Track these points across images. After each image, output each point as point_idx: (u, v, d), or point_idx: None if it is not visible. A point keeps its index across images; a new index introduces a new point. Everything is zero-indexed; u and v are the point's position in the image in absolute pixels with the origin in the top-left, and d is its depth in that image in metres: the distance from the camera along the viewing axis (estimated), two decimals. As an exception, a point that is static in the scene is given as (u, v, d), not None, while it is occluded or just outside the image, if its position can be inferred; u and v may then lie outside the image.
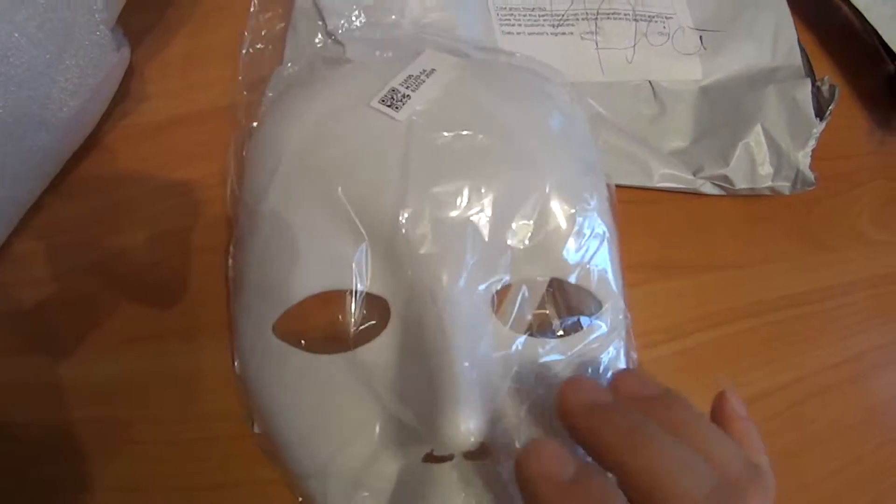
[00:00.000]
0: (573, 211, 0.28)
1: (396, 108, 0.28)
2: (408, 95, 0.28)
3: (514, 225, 0.27)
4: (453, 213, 0.26)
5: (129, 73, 0.34)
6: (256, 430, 0.29)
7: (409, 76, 0.29)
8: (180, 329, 0.32)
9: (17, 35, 0.27)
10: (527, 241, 0.27)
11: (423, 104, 0.28)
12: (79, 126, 0.32)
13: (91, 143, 0.34)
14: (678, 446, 0.20)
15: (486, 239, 0.26)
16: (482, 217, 0.26)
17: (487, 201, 0.27)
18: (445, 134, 0.27)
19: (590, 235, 0.28)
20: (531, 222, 0.27)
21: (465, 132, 0.28)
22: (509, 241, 0.27)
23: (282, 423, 0.28)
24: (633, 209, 0.36)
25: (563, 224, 0.28)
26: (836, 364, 0.36)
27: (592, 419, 0.21)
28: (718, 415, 0.24)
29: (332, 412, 0.27)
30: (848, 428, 0.34)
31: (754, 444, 0.23)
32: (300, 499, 0.29)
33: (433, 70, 0.30)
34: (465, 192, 0.26)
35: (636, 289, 0.34)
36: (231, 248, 0.31)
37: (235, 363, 0.30)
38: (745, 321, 0.35)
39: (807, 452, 0.33)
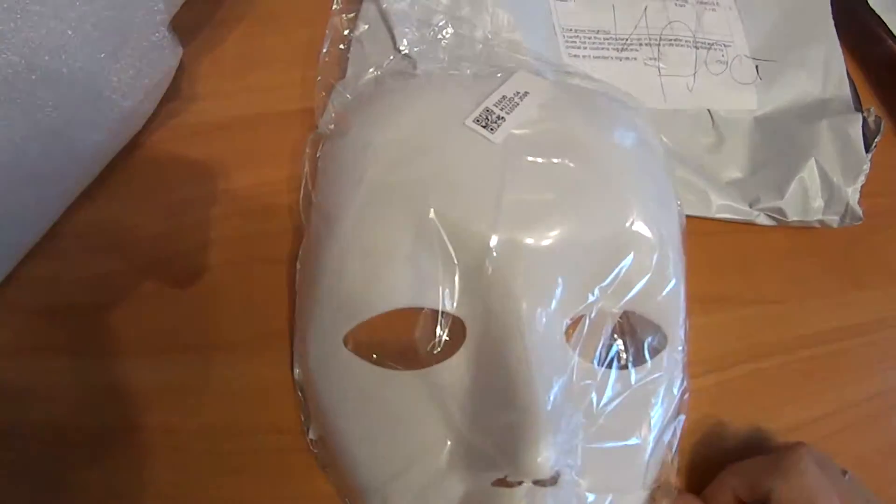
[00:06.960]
0: (653, 246, 0.28)
1: (492, 129, 0.27)
2: (503, 118, 0.28)
3: (599, 258, 0.27)
4: (544, 244, 0.26)
5: (180, 71, 0.33)
6: (312, 436, 0.29)
7: (503, 97, 0.29)
8: (231, 339, 0.31)
9: (70, 33, 0.25)
10: (610, 276, 0.27)
11: (518, 128, 0.28)
12: (128, 126, 0.31)
13: (137, 143, 0.33)
14: None
15: (575, 272, 0.27)
16: (572, 250, 0.26)
17: (577, 233, 0.27)
18: (539, 161, 0.27)
19: (665, 271, 0.29)
20: (615, 255, 0.27)
21: (555, 160, 0.27)
22: (595, 275, 0.27)
23: (346, 435, 0.27)
24: (689, 240, 0.36)
25: (644, 258, 0.28)
26: (862, 400, 0.37)
27: None
28: None
29: (401, 429, 0.27)
30: (870, 462, 0.35)
31: None
32: None
33: (526, 93, 0.29)
34: (557, 222, 0.26)
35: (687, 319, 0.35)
36: (300, 253, 0.31)
37: (296, 370, 0.30)
38: (782, 356, 0.36)
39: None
